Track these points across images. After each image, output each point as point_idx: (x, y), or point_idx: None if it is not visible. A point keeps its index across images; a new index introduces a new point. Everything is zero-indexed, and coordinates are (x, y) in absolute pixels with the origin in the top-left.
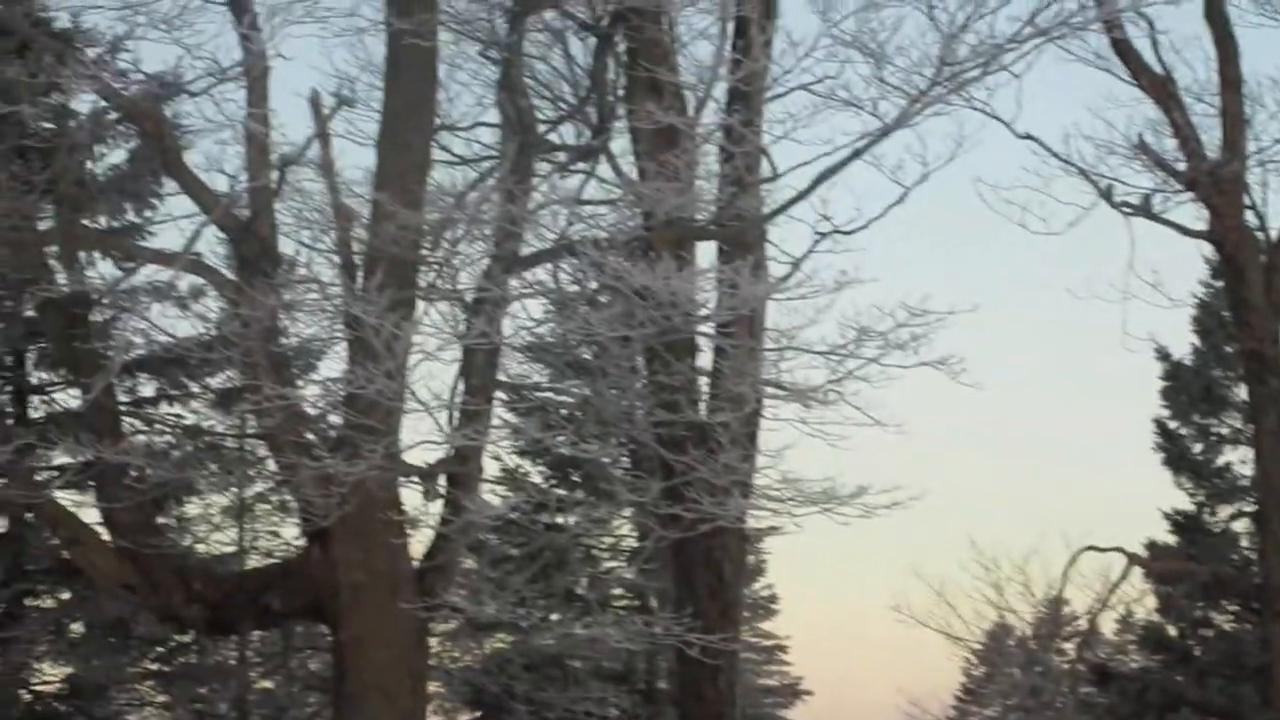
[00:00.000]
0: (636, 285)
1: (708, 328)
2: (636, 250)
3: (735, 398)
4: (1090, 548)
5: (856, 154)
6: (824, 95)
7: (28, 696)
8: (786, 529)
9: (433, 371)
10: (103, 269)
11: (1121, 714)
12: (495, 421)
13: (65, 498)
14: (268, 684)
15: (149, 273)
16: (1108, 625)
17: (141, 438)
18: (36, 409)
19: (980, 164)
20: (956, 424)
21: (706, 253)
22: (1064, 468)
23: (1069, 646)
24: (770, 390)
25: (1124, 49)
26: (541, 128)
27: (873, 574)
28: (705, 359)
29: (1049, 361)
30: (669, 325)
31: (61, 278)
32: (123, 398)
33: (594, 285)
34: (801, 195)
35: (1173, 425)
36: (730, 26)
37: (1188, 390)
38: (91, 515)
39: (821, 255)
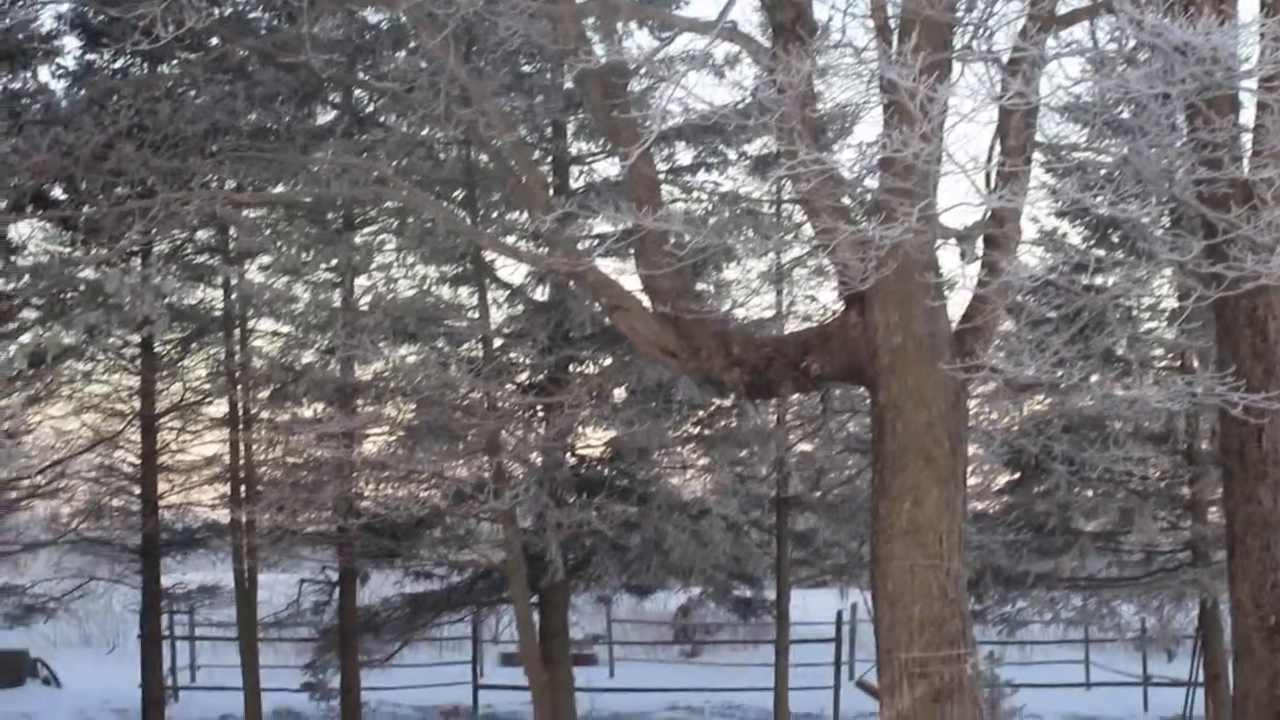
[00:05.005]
0: (1176, 41)
1: (1251, 83)
2: (1176, 5)
3: (1279, 153)
4: None
5: None
6: None
7: (572, 460)
8: None
9: (969, 133)
10: (639, 39)
11: None
12: (1032, 182)
13: (606, 265)
14: (806, 446)
15: (685, 41)
16: None
17: (680, 204)
18: (576, 179)
19: None
20: None
21: (1249, 6)
22: None
23: None
24: None
25: None
26: None
27: None
28: (1248, 114)
29: None
30: (1210, 81)
31: (599, 48)
32: (661, 165)
33: (1132, 43)
34: None
35: None
36: None
37: None
38: (632, 282)
39: None
